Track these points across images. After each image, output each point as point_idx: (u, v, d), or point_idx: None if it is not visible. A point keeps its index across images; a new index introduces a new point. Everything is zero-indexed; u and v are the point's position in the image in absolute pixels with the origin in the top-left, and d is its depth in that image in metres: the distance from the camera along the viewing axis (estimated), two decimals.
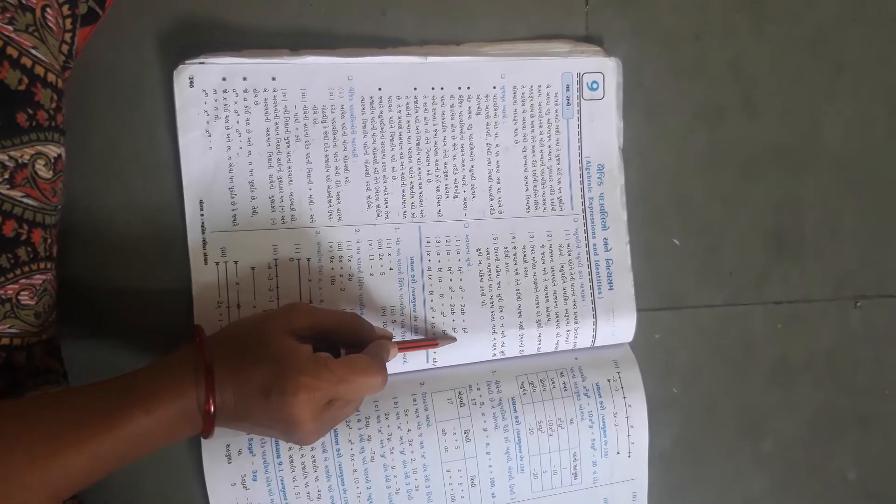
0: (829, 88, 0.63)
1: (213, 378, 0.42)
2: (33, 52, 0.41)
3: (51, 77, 0.42)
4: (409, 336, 0.55)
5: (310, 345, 0.45)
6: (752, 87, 0.61)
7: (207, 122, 0.51)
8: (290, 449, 0.51)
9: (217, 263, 0.52)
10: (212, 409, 0.42)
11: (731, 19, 0.61)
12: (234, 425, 0.44)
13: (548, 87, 0.57)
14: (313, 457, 0.52)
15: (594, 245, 0.58)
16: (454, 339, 0.55)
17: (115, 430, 0.39)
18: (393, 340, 0.51)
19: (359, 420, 0.52)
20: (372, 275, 0.54)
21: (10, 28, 0.39)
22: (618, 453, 0.56)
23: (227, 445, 0.51)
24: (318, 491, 0.52)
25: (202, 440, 0.50)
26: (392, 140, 0.54)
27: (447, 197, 0.56)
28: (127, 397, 0.40)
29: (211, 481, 0.51)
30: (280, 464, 0.51)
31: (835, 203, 0.64)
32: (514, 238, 0.57)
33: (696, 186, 0.61)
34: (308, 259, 0.53)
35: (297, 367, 0.42)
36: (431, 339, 0.54)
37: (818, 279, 0.64)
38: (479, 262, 0.56)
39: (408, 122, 0.55)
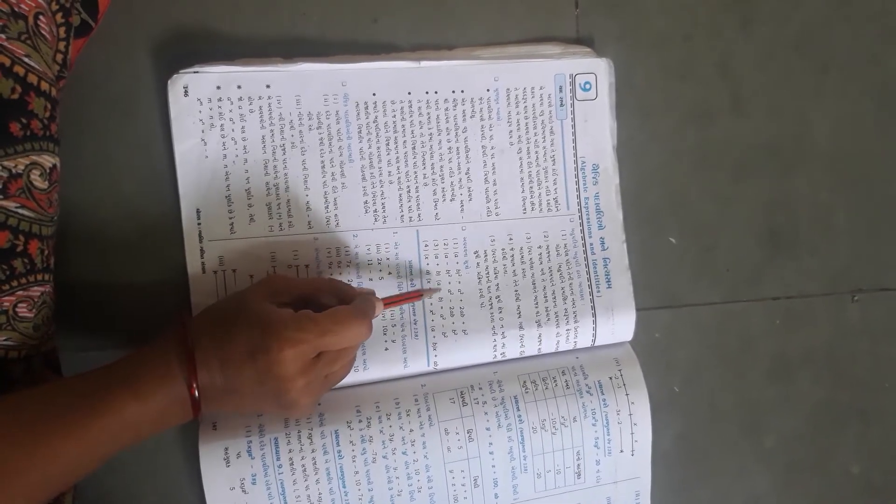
0: (816, 86, 0.63)
1: (195, 362, 0.42)
2: (26, 60, 0.40)
3: (44, 86, 0.42)
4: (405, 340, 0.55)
5: (290, 309, 0.45)
6: (740, 87, 0.62)
7: (203, 131, 0.51)
8: (290, 451, 0.51)
9: (215, 272, 0.52)
10: (195, 393, 0.42)
11: (719, 20, 0.61)
12: (227, 401, 0.44)
13: (541, 88, 0.57)
14: (314, 459, 0.51)
15: (591, 244, 0.58)
16: (439, 289, 0.55)
17: (104, 414, 0.39)
18: (378, 297, 0.51)
19: (360, 421, 0.52)
20: (371, 279, 0.54)
21: (3, 36, 0.39)
22: (621, 451, 0.56)
23: (226, 448, 0.50)
24: (319, 494, 0.51)
25: (200, 444, 0.50)
26: (388, 145, 0.55)
27: (444, 200, 0.56)
28: (116, 383, 0.40)
29: (209, 485, 0.50)
30: (280, 466, 0.51)
31: (827, 199, 0.64)
32: (511, 239, 0.57)
33: (689, 185, 0.61)
34: (307, 266, 0.53)
35: (281, 324, 0.43)
36: (415, 291, 0.54)
37: (814, 274, 0.64)
38: (477, 264, 0.56)
39: (403, 126, 0.55)
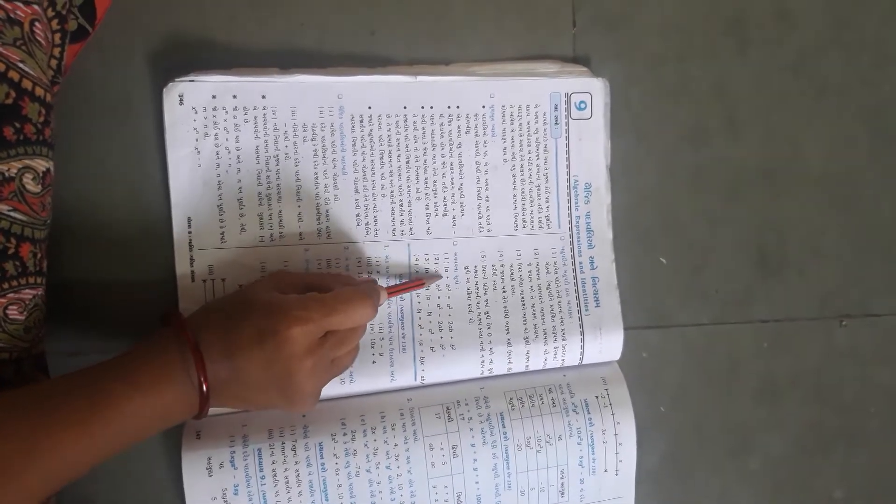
0: (811, 110, 0.64)
1: (202, 356, 0.42)
2: (21, 65, 0.41)
3: (39, 91, 0.42)
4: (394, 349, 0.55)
5: (296, 294, 0.45)
6: (735, 109, 0.62)
7: (197, 140, 0.51)
8: (273, 463, 0.51)
9: (204, 281, 0.52)
10: (205, 386, 0.42)
11: (715, 42, 0.62)
12: (230, 394, 0.44)
13: (536, 106, 0.57)
14: (297, 471, 0.51)
15: (580, 263, 0.58)
16: (440, 277, 0.55)
17: (103, 408, 0.39)
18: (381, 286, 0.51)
19: (345, 434, 0.52)
20: None
21: None
22: (605, 471, 0.56)
23: (209, 458, 0.50)
24: None
25: (183, 452, 0.50)
26: (382, 158, 0.55)
27: (436, 215, 0.56)
28: (113, 377, 0.40)
29: (190, 495, 0.50)
30: (263, 478, 0.51)
31: (818, 223, 0.64)
32: (501, 256, 0.57)
33: (681, 206, 0.62)
34: None
35: (287, 305, 0.43)
36: (417, 279, 0.54)
37: (803, 298, 0.64)
38: (467, 279, 0.56)
39: (397, 140, 0.55)
